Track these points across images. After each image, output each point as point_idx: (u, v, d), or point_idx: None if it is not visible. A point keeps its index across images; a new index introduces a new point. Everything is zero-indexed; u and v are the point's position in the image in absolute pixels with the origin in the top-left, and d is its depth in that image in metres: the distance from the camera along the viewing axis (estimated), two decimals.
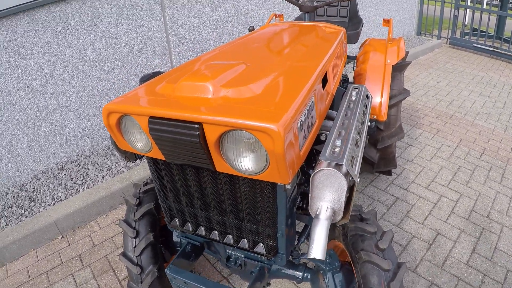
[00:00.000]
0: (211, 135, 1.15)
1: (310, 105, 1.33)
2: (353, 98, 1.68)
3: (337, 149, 1.25)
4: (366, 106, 1.71)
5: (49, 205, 3.28)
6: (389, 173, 3.12)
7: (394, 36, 3.43)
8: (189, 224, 1.68)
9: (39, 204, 3.29)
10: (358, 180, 1.27)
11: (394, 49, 2.88)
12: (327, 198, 1.19)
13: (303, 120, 1.24)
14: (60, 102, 3.55)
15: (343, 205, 1.18)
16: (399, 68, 2.97)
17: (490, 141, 4.00)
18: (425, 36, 8.79)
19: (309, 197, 1.21)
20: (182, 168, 1.45)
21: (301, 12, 2.99)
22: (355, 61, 3.19)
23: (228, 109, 1.14)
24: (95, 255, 2.92)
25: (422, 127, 4.20)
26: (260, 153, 1.14)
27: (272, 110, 1.11)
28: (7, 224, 3.11)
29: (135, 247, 1.88)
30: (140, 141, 1.40)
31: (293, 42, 2.04)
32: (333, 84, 1.84)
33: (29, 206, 3.27)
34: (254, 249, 1.53)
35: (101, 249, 2.99)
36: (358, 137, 1.42)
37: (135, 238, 1.91)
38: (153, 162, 1.53)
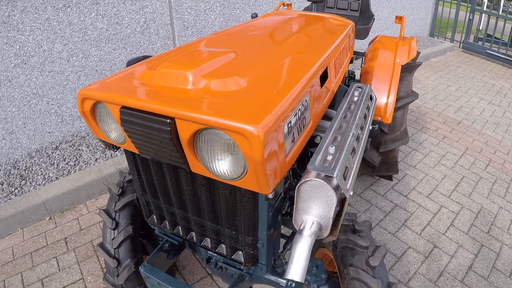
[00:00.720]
0: (184, 132, 1.00)
1: (303, 105, 1.17)
2: (355, 99, 1.51)
3: (329, 157, 1.09)
4: (368, 108, 1.54)
5: (39, 184, 3.17)
6: (389, 178, 2.96)
7: (406, 35, 3.24)
8: (167, 222, 1.54)
9: (30, 184, 3.17)
10: (351, 193, 1.11)
11: (405, 49, 2.70)
12: (314, 211, 1.04)
13: (292, 121, 1.09)
14: (58, 81, 3.41)
15: (331, 221, 1.02)
16: (408, 69, 2.79)
17: (496, 152, 3.81)
18: (438, 38, 8.51)
19: (294, 208, 1.06)
20: (158, 163, 1.30)
21: (310, 3, 2.80)
22: (363, 57, 3.01)
23: (205, 104, 0.99)
24: (80, 239, 2.81)
25: (428, 132, 4.01)
26: (237, 156, 0.99)
27: (254, 109, 0.96)
28: None
29: (113, 239, 1.77)
30: (115, 131, 1.25)
31: (295, 32, 1.86)
32: (334, 81, 1.68)
33: (20, 185, 3.16)
34: (233, 256, 1.39)
35: (87, 234, 2.88)
36: (356, 143, 1.25)
37: (114, 229, 1.79)
38: (131, 154, 1.38)
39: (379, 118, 2.48)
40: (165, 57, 1.43)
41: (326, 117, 1.66)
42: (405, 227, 2.71)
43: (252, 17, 2.72)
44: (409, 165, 3.38)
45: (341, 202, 1.08)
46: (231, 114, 0.92)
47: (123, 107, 1.08)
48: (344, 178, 1.06)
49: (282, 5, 3.25)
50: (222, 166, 1.02)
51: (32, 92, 3.30)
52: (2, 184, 3.17)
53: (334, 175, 0.99)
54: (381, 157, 2.70)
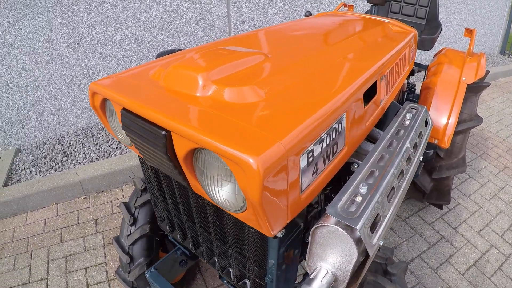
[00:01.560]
0: (180, 149, 0.85)
1: (335, 128, 0.96)
2: (406, 122, 1.26)
3: (358, 199, 0.87)
4: (421, 136, 1.28)
5: (79, 163, 3.19)
6: (440, 206, 2.63)
7: (475, 51, 2.87)
8: (178, 232, 1.39)
9: (71, 161, 3.20)
10: (381, 244, 0.88)
11: (473, 66, 2.37)
12: (330, 260, 0.84)
13: (316, 150, 0.89)
14: (109, 64, 3.40)
15: (350, 275, 0.81)
16: (475, 89, 2.44)
17: None
18: (508, 57, 7.72)
19: (308, 251, 0.86)
20: None
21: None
22: (426, 71, 2.69)
23: (206, 118, 0.83)
24: (110, 223, 2.78)
25: (488, 159, 3.57)
26: (237, 186, 0.81)
27: (262, 132, 0.78)
28: (36, 174, 3.05)
29: (129, 235, 1.68)
30: (121, 132, 1.13)
31: (346, 36, 1.63)
32: (385, 97, 1.43)
33: (61, 161, 3.19)
34: (239, 283, 1.21)
35: (118, 219, 2.84)
36: (397, 183, 1.01)
37: (131, 225, 1.70)
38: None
39: (436, 142, 2.18)
40: (188, 54, 1.27)
41: (371, 138, 1.41)
42: (448, 263, 2.39)
43: (305, 15, 2.49)
44: (463, 194, 3.01)
45: (365, 253, 0.86)
46: (231, 136, 0.75)
47: (124, 109, 0.97)
48: (372, 230, 0.84)
49: (343, 6, 2.99)
50: (221, 194, 0.85)
51: (82, 72, 3.32)
52: (45, 158, 3.22)
53: (358, 227, 0.77)
54: (433, 183, 2.39)
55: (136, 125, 0.93)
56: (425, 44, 2.52)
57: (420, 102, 2.40)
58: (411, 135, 1.19)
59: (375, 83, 1.28)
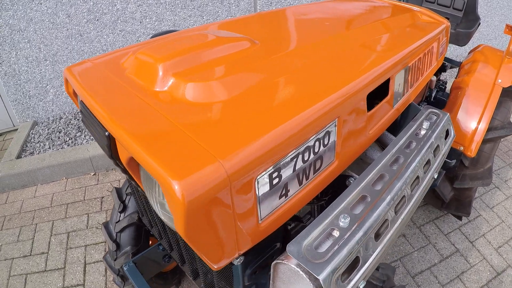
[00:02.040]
0: (122, 154, 0.71)
1: (321, 140, 0.79)
2: (422, 132, 1.04)
3: (335, 233, 0.68)
4: (438, 150, 1.05)
5: (92, 139, 3.11)
6: (459, 217, 2.37)
7: None
8: (155, 230, 1.26)
9: (84, 137, 3.13)
10: (361, 287, 0.69)
11: (511, 67, 2.06)
12: None
13: (285, 170, 0.71)
14: (129, 41, 3.28)
15: None
16: (511, 94, 2.13)
17: None
18: None
19: (270, 284, 0.70)
20: None
21: None
22: (459, 68, 2.39)
23: (147, 123, 0.68)
24: None
25: None
26: None
27: (204, 146, 0.61)
28: (50, 148, 3.00)
29: (117, 222, 1.58)
30: None
31: (364, 23, 1.39)
32: (402, 98, 1.20)
33: (75, 136, 3.13)
34: None
35: None
36: (392, 214, 0.80)
37: (121, 212, 1.60)
38: None
39: (461, 149, 1.92)
40: (167, 38, 1.10)
41: (381, 144, 1.20)
42: (459, 280, 2.15)
43: None
44: (486, 204, 2.72)
45: None
46: (164, 149, 0.60)
47: (81, 101, 0.86)
48: (348, 273, 0.65)
49: None
50: (164, 212, 0.70)
51: (101, 49, 3.21)
52: (59, 132, 3.17)
53: (321, 278, 0.58)
54: (454, 192, 2.14)
55: (88, 121, 0.83)
56: (460, 38, 2.22)
57: (449, 102, 2.13)
58: (424, 149, 0.97)
59: (388, 80, 1.05)
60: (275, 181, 0.70)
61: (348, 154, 0.92)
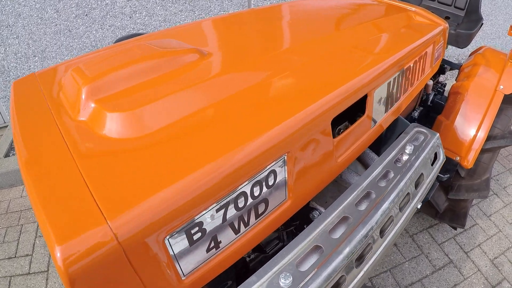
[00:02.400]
0: None
1: (261, 182, 0.66)
2: (403, 158, 0.90)
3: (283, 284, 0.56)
4: (422, 178, 0.91)
5: None
6: (453, 227, 2.24)
7: None
8: None
9: None
10: None
11: None
12: None
13: (209, 222, 0.60)
14: (118, 36, 3.12)
15: None
16: None
17: None
18: None
19: None
20: None
21: None
22: (458, 71, 2.23)
23: (51, 166, 0.57)
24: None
25: None
26: None
27: (95, 203, 0.51)
28: None
29: None
30: None
31: (346, 26, 1.23)
32: (386, 114, 1.05)
33: None
34: None
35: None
36: (353, 268, 0.67)
37: None
38: None
39: (458, 159, 1.78)
40: (116, 50, 0.96)
41: (361, 162, 1.06)
42: None
43: None
44: (483, 212, 2.57)
45: None
46: (55, 203, 0.49)
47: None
48: None
49: None
50: None
51: (91, 44, 3.08)
52: None
53: None
54: (448, 203, 2.00)
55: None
56: (460, 40, 2.05)
57: (446, 107, 1.98)
58: (403, 182, 0.83)
59: (364, 97, 0.91)
60: (196, 236, 0.59)
61: (307, 189, 0.79)
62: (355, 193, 0.79)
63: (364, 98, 0.92)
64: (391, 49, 1.08)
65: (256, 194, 0.66)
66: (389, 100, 1.07)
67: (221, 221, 0.62)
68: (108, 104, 0.65)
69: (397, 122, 1.23)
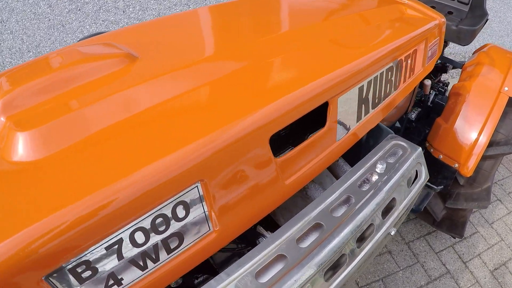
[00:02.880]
0: None
1: (167, 216, 0.58)
2: (373, 178, 0.75)
3: None
4: (394, 202, 0.75)
5: None
6: (452, 236, 2.07)
7: None
8: None
9: None
10: None
11: None
12: None
13: (103, 263, 0.52)
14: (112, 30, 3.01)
15: None
16: None
17: None
18: None
19: None
20: None
21: None
22: (460, 70, 2.05)
23: None
24: None
25: None
26: None
27: None
28: None
29: None
30: None
31: (317, 20, 1.09)
32: (359, 123, 0.90)
33: None
34: None
35: None
36: None
37: None
38: None
39: (456, 166, 1.61)
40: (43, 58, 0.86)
41: (334, 174, 0.92)
42: None
43: None
44: (485, 219, 2.39)
45: None
46: None
47: None
48: None
49: None
50: None
51: None
52: None
53: None
54: (445, 212, 1.84)
55: None
56: (462, 36, 1.86)
57: (446, 109, 1.81)
58: (366, 210, 0.67)
59: (326, 104, 0.76)
60: (86, 274, 0.50)
61: (244, 217, 0.67)
62: (298, 225, 0.65)
63: (325, 106, 0.77)
64: (366, 48, 0.92)
65: (160, 229, 0.56)
66: (364, 107, 0.91)
67: (116, 259, 0.53)
68: (18, 120, 0.58)
69: (378, 130, 1.07)
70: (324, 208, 0.69)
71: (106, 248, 0.51)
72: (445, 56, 2.21)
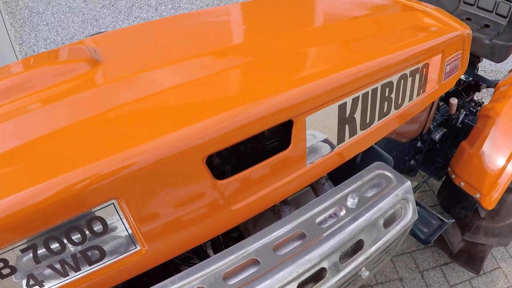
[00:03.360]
0: None
1: (85, 227, 0.59)
2: (341, 213, 0.65)
3: None
4: (361, 244, 0.65)
5: None
6: (468, 270, 1.88)
7: None
8: None
9: None
10: None
11: None
12: None
13: (22, 261, 0.56)
14: None
15: None
16: None
17: None
18: None
19: None
20: None
21: None
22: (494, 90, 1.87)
23: None
24: None
25: None
26: None
27: None
28: None
29: None
30: None
31: (308, 26, 1.00)
32: (341, 145, 0.80)
33: None
34: None
35: None
36: None
37: None
38: None
39: (477, 196, 1.45)
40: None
41: (316, 193, 0.84)
42: None
43: None
44: (510, 255, 2.17)
45: None
46: None
47: None
48: None
49: None
50: None
51: None
52: None
53: None
54: (463, 244, 1.66)
55: None
56: (496, 52, 1.68)
57: (473, 132, 1.65)
58: (313, 253, 0.59)
59: (290, 124, 0.68)
60: (5, 271, 0.54)
61: (179, 240, 0.64)
62: (231, 257, 0.59)
63: (290, 124, 0.69)
64: (353, 59, 0.81)
65: (76, 240, 0.57)
66: (348, 127, 0.80)
67: (33, 262, 0.55)
68: None
69: (374, 151, 0.95)
70: (267, 243, 0.61)
71: (22, 251, 0.53)
72: (478, 73, 2.01)
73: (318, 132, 0.74)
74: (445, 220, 1.42)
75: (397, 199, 0.70)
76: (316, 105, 0.73)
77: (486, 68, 3.63)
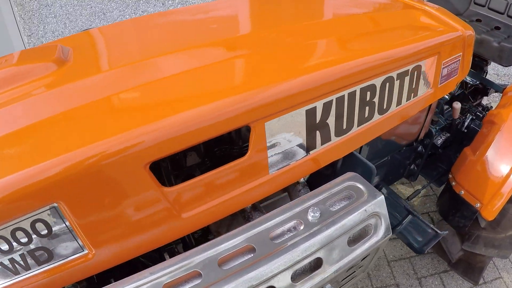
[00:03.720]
0: None
1: (29, 228, 0.59)
2: (300, 227, 0.62)
3: None
4: (320, 264, 0.61)
5: None
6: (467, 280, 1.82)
7: None
8: None
9: None
10: None
11: None
12: None
13: None
14: None
15: None
16: None
17: None
18: None
19: None
20: None
21: None
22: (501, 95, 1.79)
23: None
24: None
25: None
26: None
27: None
28: None
29: None
30: None
31: (291, 23, 0.98)
32: (313, 151, 0.76)
33: None
34: None
35: None
36: None
37: None
38: None
39: (478, 206, 1.39)
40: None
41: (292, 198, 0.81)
42: None
43: None
44: None
45: None
46: None
47: None
48: None
49: None
50: None
51: None
52: None
53: None
54: (462, 253, 1.60)
55: None
56: (504, 55, 1.60)
57: (477, 139, 1.58)
58: (259, 270, 0.55)
59: (248, 130, 0.65)
60: None
61: (127, 246, 0.64)
62: (172, 268, 0.56)
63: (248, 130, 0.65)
64: (326, 60, 0.76)
65: (22, 240, 0.58)
66: (320, 134, 0.75)
67: None
68: None
69: (355, 158, 0.90)
70: (213, 256, 0.58)
71: None
72: (486, 77, 1.93)
73: (282, 139, 0.69)
74: (439, 232, 1.36)
75: (365, 215, 0.64)
76: (276, 110, 0.69)
77: (499, 71, 3.50)
